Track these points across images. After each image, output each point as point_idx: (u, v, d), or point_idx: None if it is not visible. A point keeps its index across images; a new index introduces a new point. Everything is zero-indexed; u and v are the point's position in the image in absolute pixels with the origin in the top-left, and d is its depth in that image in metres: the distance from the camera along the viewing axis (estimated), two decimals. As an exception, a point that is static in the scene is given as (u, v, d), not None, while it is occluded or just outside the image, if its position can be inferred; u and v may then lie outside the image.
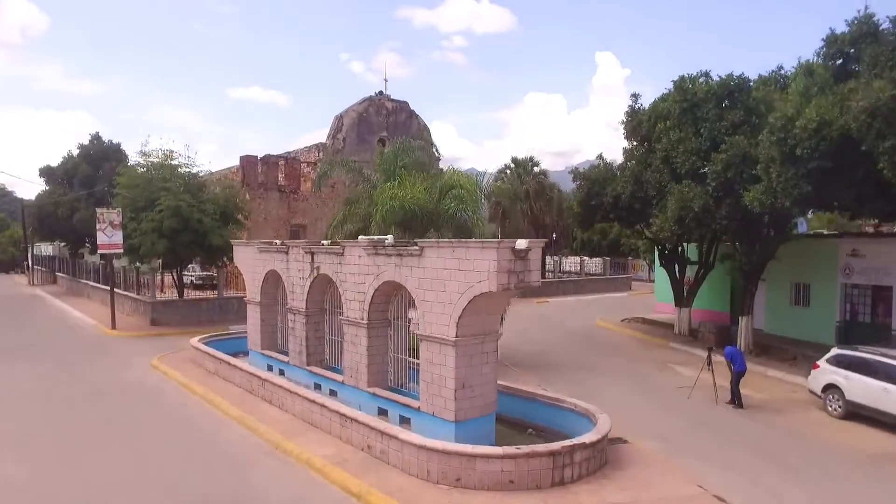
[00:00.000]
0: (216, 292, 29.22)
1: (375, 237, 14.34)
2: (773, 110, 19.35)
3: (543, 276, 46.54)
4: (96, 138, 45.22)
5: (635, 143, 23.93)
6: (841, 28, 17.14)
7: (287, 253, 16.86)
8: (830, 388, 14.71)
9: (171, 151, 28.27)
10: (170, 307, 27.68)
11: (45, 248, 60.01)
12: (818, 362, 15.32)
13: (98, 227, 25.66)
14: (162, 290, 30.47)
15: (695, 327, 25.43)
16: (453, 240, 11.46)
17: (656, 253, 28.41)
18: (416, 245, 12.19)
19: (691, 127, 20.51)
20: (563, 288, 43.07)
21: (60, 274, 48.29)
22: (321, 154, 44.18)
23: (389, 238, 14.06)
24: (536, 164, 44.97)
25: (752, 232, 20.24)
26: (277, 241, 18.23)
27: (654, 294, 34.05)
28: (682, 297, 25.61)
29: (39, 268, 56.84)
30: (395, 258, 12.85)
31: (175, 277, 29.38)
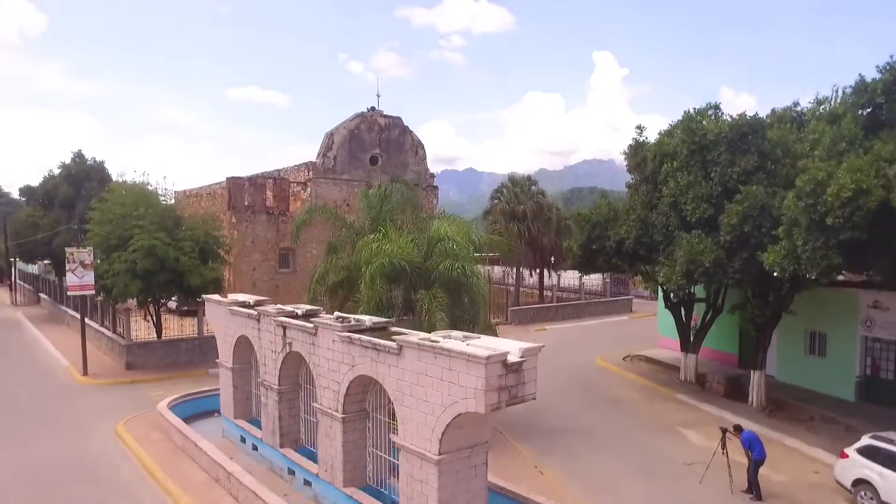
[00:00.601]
0: (196, 326, 27.56)
1: (353, 318, 12.80)
2: (789, 154, 17.81)
3: (542, 300, 45.20)
4: (79, 156, 43.49)
5: (639, 180, 22.37)
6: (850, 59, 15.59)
7: (259, 321, 15.32)
8: (862, 483, 13.15)
9: (148, 184, 26.77)
10: (146, 349, 26.09)
11: (31, 266, 58.24)
12: (847, 451, 13.73)
13: (68, 267, 24.24)
14: (145, 317, 28.74)
15: (702, 373, 23.87)
16: (435, 343, 9.89)
17: (660, 294, 26.82)
18: (395, 343, 10.65)
19: (700, 170, 18.96)
20: (563, 313, 41.51)
21: (44, 296, 46.70)
22: (311, 173, 42.47)
23: (367, 321, 12.53)
24: (534, 183, 43.39)
25: (766, 284, 18.67)
26: (251, 300, 16.65)
27: (656, 317, 32.35)
28: (689, 341, 24.03)
29: (24, 284, 55.18)
30: (371, 351, 11.32)
31: (153, 314, 27.76)
